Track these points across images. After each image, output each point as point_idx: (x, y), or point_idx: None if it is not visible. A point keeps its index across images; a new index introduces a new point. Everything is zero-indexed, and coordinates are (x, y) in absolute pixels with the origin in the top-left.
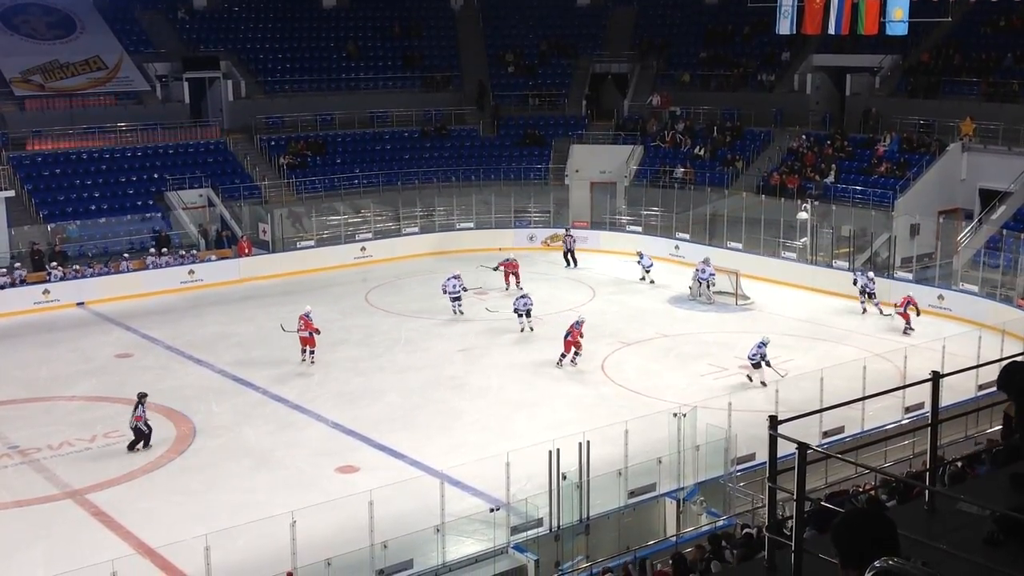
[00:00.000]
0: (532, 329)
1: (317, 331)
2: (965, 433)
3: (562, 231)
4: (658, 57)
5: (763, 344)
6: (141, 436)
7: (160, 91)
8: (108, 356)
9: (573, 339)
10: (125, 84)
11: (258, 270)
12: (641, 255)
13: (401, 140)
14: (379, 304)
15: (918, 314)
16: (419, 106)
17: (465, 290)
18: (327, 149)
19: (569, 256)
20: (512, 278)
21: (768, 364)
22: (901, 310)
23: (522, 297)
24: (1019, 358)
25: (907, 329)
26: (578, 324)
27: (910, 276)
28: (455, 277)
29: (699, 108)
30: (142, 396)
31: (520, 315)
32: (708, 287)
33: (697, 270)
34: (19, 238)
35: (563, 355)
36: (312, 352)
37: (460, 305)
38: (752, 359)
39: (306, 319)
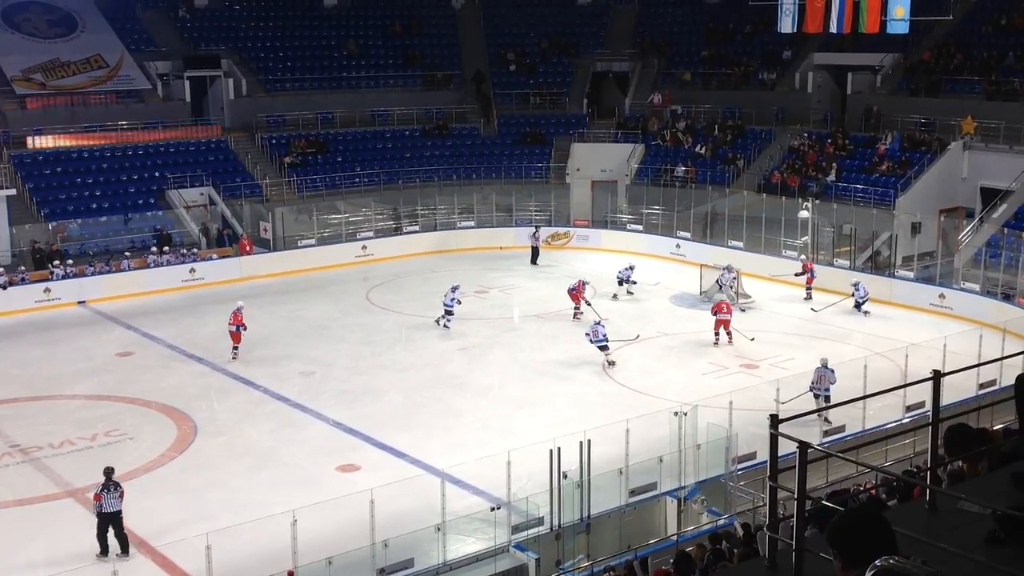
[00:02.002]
0: (612, 363)
1: (244, 327)
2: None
3: (564, 230)
4: (659, 56)
5: (831, 369)
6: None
7: (161, 89)
8: (109, 355)
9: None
10: (126, 82)
11: (259, 268)
12: (631, 268)
13: (402, 138)
14: (380, 303)
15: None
16: (420, 104)
17: (459, 303)
18: (328, 148)
19: (534, 253)
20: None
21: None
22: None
23: (597, 324)
24: None
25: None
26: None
27: (911, 275)
28: (453, 289)
29: (700, 107)
30: (109, 471)
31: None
32: (731, 288)
33: (721, 277)
34: (20, 237)
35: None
36: (236, 348)
37: (448, 320)
38: (825, 392)
39: (237, 314)
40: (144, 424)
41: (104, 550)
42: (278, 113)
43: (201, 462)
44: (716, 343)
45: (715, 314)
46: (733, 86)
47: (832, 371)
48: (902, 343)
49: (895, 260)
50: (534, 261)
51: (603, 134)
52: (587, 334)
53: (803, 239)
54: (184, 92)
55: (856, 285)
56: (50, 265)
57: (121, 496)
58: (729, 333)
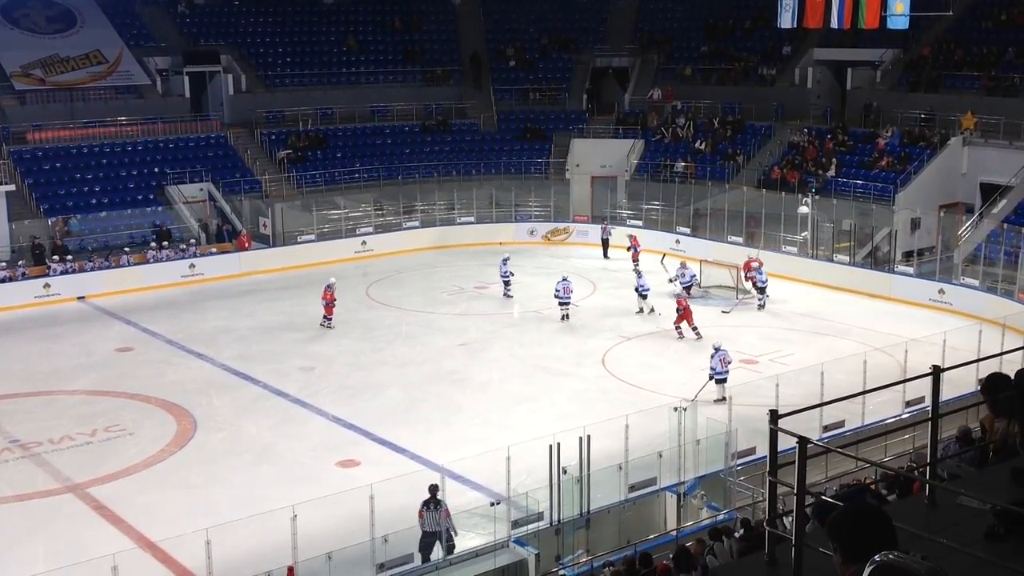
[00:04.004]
0: (653, 310)
1: (333, 301)
2: (966, 427)
3: (563, 226)
4: (659, 51)
5: (722, 350)
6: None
7: (160, 85)
8: (109, 350)
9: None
10: (125, 78)
11: (258, 264)
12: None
13: (402, 134)
14: (380, 298)
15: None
16: (419, 100)
17: (512, 274)
18: (327, 143)
19: (605, 246)
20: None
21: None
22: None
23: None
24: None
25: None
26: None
27: (911, 270)
28: (504, 261)
29: (700, 102)
30: (434, 489)
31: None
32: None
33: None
34: (19, 232)
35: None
36: (328, 319)
37: (508, 290)
38: (725, 374)
39: (327, 291)
40: (144, 419)
41: (425, 559)
42: (277, 109)
43: (201, 457)
44: (680, 336)
45: (679, 310)
46: (733, 81)
47: (727, 351)
48: (901, 338)
49: (895, 256)
50: (606, 255)
51: (603, 130)
52: (556, 291)
53: (803, 234)
54: (183, 88)
55: (758, 268)
56: (48, 260)
57: (446, 515)
58: (691, 328)
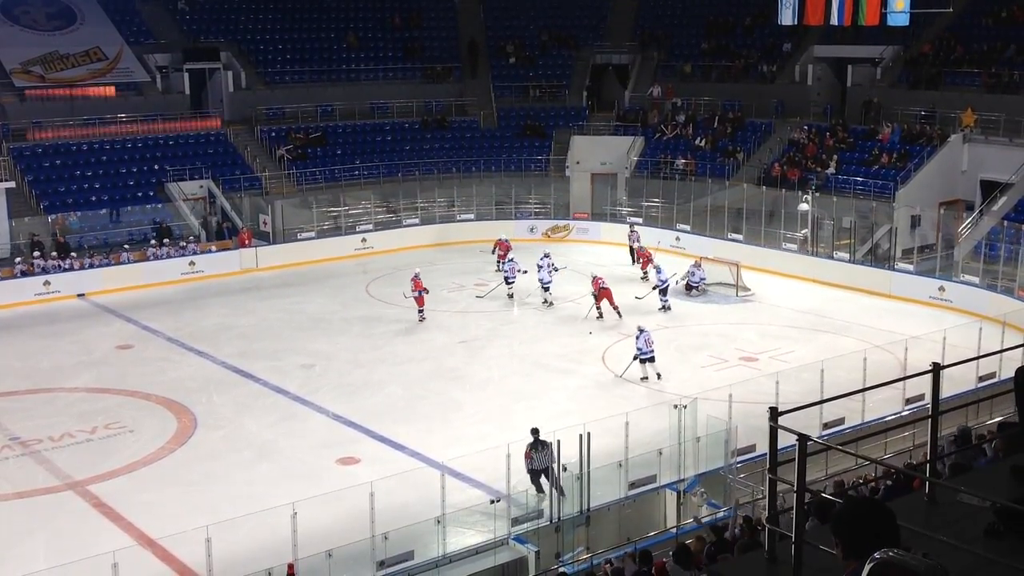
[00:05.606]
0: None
1: (426, 290)
2: (966, 424)
3: (563, 223)
4: (659, 48)
5: (646, 331)
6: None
7: (160, 82)
8: (109, 348)
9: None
10: (125, 75)
11: (259, 261)
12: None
13: (402, 131)
14: (379, 295)
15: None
16: (420, 97)
17: (557, 269)
18: (327, 140)
19: (632, 253)
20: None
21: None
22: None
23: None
24: None
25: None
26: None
27: (911, 267)
28: (546, 256)
29: (700, 99)
30: (536, 432)
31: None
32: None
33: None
34: (19, 229)
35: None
36: (420, 311)
37: (549, 294)
38: (652, 354)
39: (416, 280)
40: (144, 417)
41: (539, 489)
42: (277, 105)
43: (201, 455)
44: (600, 316)
45: (597, 289)
46: (733, 78)
47: (650, 332)
48: (902, 336)
49: (895, 253)
50: (634, 261)
51: (603, 127)
52: (513, 272)
53: (803, 232)
54: (183, 85)
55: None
56: (31, 256)
57: (550, 455)
58: (615, 307)
